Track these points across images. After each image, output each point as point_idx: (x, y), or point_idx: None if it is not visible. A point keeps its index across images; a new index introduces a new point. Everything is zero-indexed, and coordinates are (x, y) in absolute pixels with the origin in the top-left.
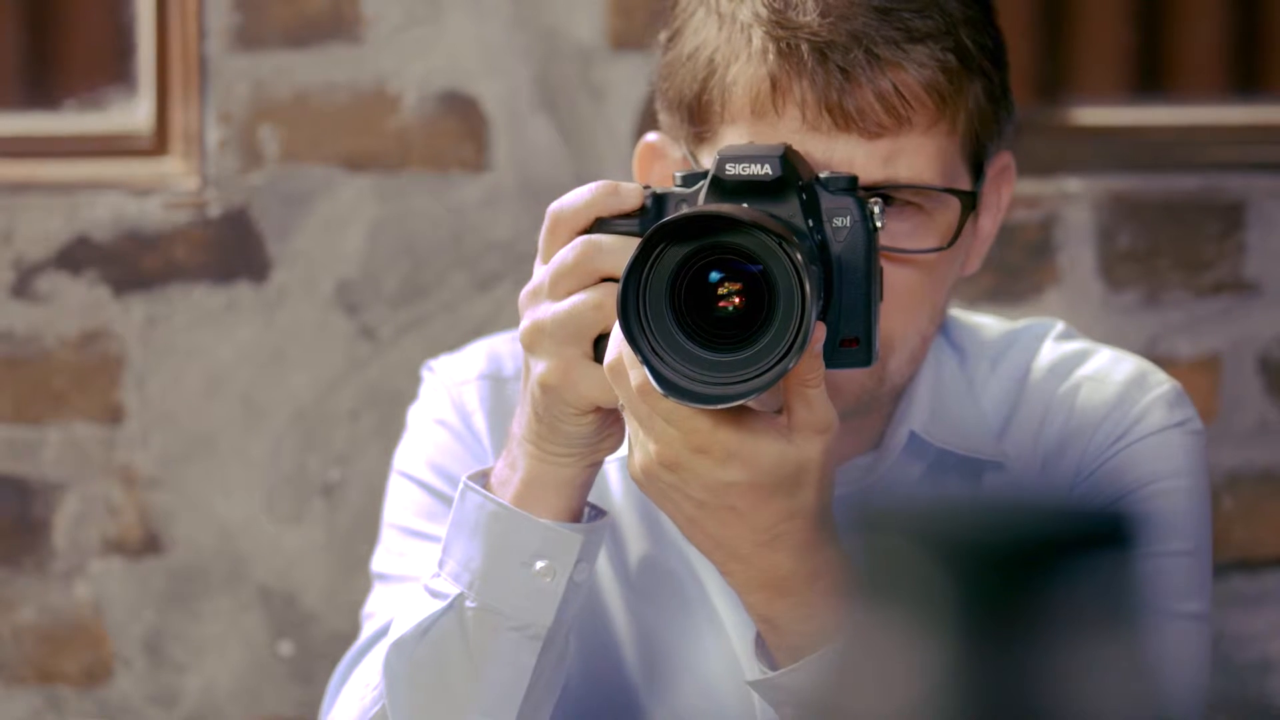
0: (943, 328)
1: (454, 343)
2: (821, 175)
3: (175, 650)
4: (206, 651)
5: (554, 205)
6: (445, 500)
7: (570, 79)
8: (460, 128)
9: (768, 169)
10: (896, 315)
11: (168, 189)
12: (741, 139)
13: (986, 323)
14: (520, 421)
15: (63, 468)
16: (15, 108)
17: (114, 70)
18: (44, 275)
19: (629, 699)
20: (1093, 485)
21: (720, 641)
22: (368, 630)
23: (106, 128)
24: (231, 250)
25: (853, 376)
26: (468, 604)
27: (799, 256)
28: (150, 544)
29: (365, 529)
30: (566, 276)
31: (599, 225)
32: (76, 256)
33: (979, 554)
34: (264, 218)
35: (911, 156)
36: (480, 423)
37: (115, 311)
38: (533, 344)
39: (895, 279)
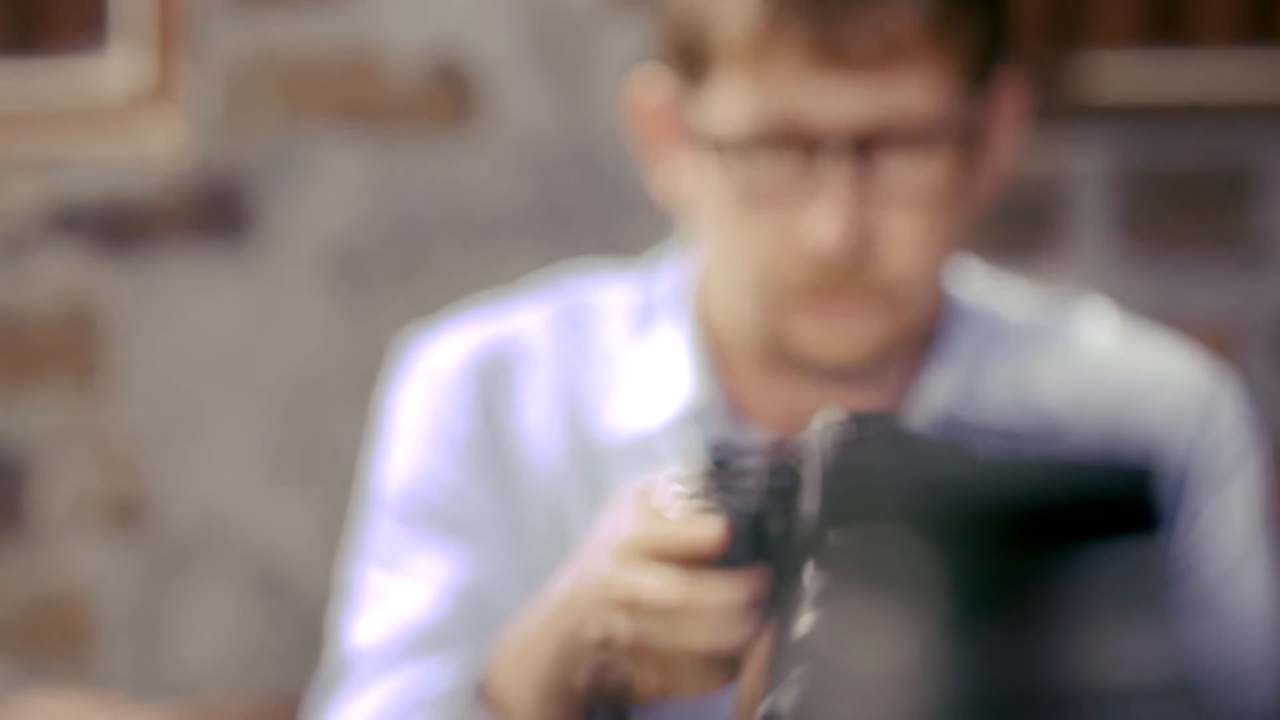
0: (972, 303)
1: (448, 306)
2: None
3: (161, 621)
4: (193, 622)
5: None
6: (419, 533)
7: (568, 37)
8: (456, 88)
9: None
10: (905, 258)
11: (156, 151)
12: (736, 85)
13: (1019, 296)
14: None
15: (47, 437)
16: None
17: (102, 31)
18: (28, 239)
19: None
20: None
21: None
22: (362, 670)
23: (93, 89)
24: (220, 214)
25: (869, 324)
26: None
27: None
28: (136, 513)
29: (355, 500)
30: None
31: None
32: (61, 220)
33: (995, 525)
34: (254, 181)
35: (910, 90)
36: (462, 411)
37: (101, 276)
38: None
39: (901, 223)
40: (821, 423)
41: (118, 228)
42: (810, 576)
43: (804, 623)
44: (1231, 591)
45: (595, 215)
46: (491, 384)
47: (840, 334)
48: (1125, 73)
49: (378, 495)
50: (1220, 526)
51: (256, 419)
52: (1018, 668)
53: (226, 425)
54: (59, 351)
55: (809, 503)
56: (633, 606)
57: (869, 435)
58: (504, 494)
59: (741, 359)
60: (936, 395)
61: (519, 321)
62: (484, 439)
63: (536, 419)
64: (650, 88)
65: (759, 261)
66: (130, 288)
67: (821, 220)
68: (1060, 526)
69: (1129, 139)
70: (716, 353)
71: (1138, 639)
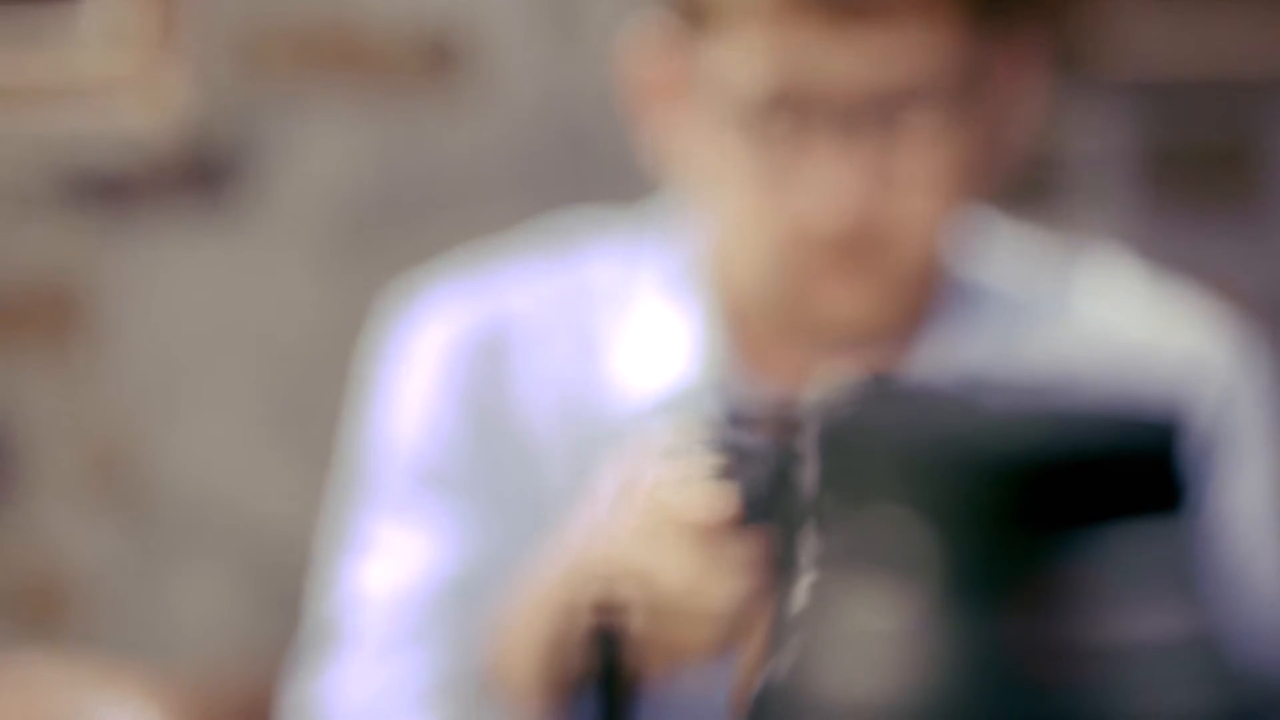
0: (989, 266)
1: (441, 266)
2: None
3: (148, 589)
4: (181, 586)
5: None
6: (417, 501)
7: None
8: (452, 46)
9: None
10: (918, 221)
11: (144, 116)
12: (748, 41)
13: (1038, 257)
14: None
15: (33, 405)
16: None
17: None
18: (13, 201)
19: None
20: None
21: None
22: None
23: (80, 50)
24: (211, 176)
25: (882, 290)
26: None
27: None
28: (124, 482)
29: (345, 469)
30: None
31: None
32: (48, 182)
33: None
34: (245, 142)
35: (926, 50)
36: (466, 383)
37: (87, 242)
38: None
39: (916, 187)
40: (823, 384)
41: (107, 190)
42: (810, 544)
43: (803, 591)
44: (1253, 567)
45: (591, 179)
46: (494, 360)
47: (853, 300)
48: (1143, 35)
49: (374, 461)
50: (1243, 501)
51: (247, 387)
52: (1023, 638)
53: (216, 393)
54: (45, 319)
55: (809, 467)
56: (645, 577)
57: (871, 396)
58: (508, 466)
59: (755, 323)
60: (951, 355)
61: (519, 296)
62: (487, 412)
63: (540, 393)
64: (650, 45)
65: (769, 228)
66: (118, 254)
67: (826, 194)
68: (1076, 487)
69: (1146, 102)
70: (729, 317)
71: (1158, 611)
